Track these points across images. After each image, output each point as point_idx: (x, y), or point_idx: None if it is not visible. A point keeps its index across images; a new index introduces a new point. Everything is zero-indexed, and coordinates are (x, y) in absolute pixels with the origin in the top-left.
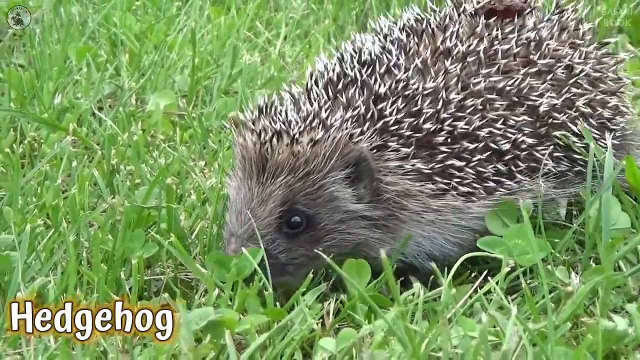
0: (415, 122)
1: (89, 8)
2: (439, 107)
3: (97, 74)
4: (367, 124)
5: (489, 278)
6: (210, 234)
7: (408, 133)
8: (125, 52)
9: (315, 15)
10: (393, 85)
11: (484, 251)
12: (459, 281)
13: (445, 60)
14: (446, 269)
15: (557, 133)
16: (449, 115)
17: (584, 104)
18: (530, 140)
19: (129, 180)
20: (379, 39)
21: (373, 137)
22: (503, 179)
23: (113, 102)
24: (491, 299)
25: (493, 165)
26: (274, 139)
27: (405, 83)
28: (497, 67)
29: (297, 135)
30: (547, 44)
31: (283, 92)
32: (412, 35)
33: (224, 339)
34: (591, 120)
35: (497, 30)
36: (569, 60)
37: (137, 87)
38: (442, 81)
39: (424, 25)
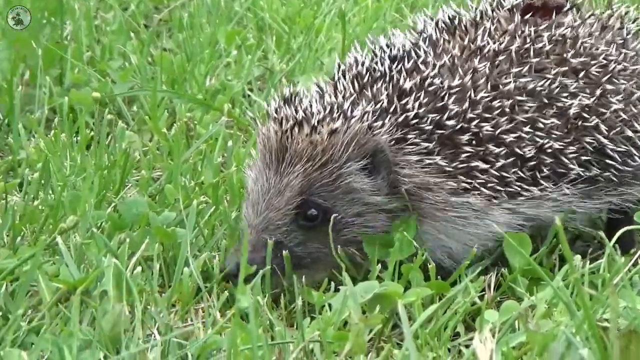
0: (438, 118)
1: None
2: (465, 106)
3: (247, 57)
4: (388, 117)
5: None
6: None
7: (430, 128)
8: (272, 36)
9: None
10: (419, 81)
11: None
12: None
13: (475, 59)
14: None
15: (588, 138)
16: (476, 116)
17: (617, 100)
18: (557, 145)
19: None
20: (412, 34)
21: (393, 130)
22: (525, 185)
23: (262, 85)
24: None
25: (515, 171)
26: (295, 128)
27: (431, 80)
28: (528, 66)
29: (316, 125)
30: (582, 42)
31: (311, 83)
32: (444, 32)
33: (387, 312)
34: (623, 115)
35: (531, 27)
36: (603, 58)
37: (287, 70)
38: (469, 80)
39: (456, 22)
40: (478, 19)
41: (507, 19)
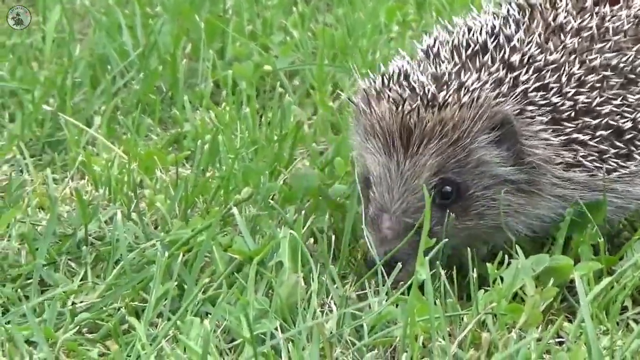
0: (545, 95)
1: None
2: (562, 80)
3: (409, 32)
4: (505, 88)
5: None
6: None
7: (541, 102)
8: (432, 12)
9: None
10: (521, 56)
11: None
12: None
13: (561, 35)
14: None
15: None
16: (572, 90)
17: None
18: None
19: None
20: (494, 16)
21: (515, 101)
22: (621, 162)
23: None
24: None
25: (611, 143)
26: (419, 107)
27: (530, 55)
28: (609, 44)
29: (442, 101)
30: None
31: (398, 58)
32: (522, 12)
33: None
34: None
35: (605, 7)
36: None
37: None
38: (562, 55)
39: (532, 2)
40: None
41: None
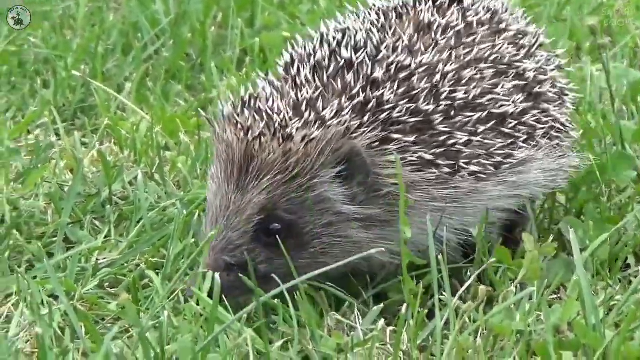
0: (414, 105)
1: None
2: (434, 80)
3: None
4: (367, 115)
5: None
6: None
7: (407, 118)
8: None
9: None
10: (386, 67)
11: None
12: None
13: (432, 33)
14: None
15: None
16: (447, 89)
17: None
18: (523, 106)
19: None
20: (361, 19)
21: (375, 130)
22: (508, 151)
23: None
24: None
25: (496, 133)
26: (264, 136)
27: (398, 64)
28: (476, 37)
29: (290, 132)
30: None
31: (260, 79)
32: (389, 15)
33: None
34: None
35: (461, 2)
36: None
37: None
38: (434, 55)
39: (396, 3)
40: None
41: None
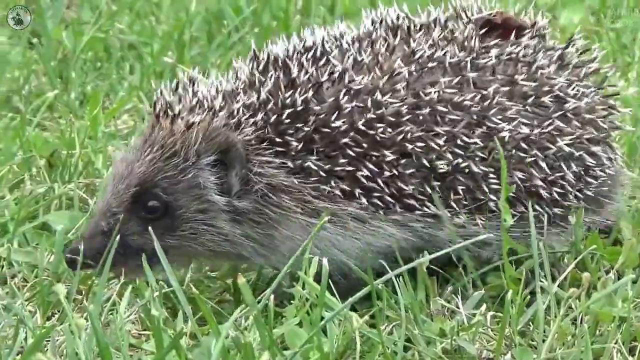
0: (325, 117)
1: None
2: (364, 106)
3: None
4: (261, 114)
5: None
6: None
7: (311, 128)
8: None
9: None
10: (316, 72)
11: None
12: None
13: (401, 61)
14: None
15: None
16: (375, 117)
17: (567, 144)
18: (477, 169)
19: None
20: (352, 29)
21: (259, 129)
22: (429, 203)
23: None
24: None
25: (420, 182)
26: (162, 115)
27: (332, 75)
28: (463, 78)
29: (176, 115)
30: (539, 68)
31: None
32: (386, 31)
33: None
34: (571, 163)
35: (479, 42)
36: (559, 90)
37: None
38: (383, 81)
39: (401, 24)
40: (430, 25)
41: (461, 31)
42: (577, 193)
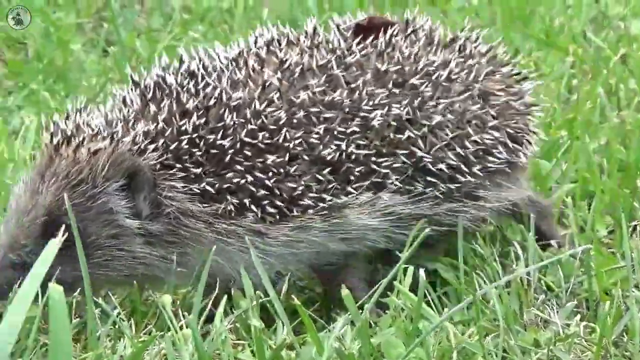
0: (212, 139)
1: None
2: (244, 119)
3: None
4: (161, 141)
5: None
6: None
7: (202, 152)
8: None
9: None
10: (202, 99)
11: None
12: None
13: (269, 71)
14: None
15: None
16: (257, 127)
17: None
18: (363, 152)
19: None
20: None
21: (162, 154)
22: (326, 195)
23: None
24: None
25: (313, 177)
26: (63, 143)
27: (213, 96)
28: (328, 77)
29: (80, 142)
30: (402, 51)
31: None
32: (261, 48)
33: None
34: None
35: (344, 43)
36: (427, 66)
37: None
38: (257, 92)
39: (275, 39)
40: (301, 38)
41: (328, 38)
42: (476, 170)
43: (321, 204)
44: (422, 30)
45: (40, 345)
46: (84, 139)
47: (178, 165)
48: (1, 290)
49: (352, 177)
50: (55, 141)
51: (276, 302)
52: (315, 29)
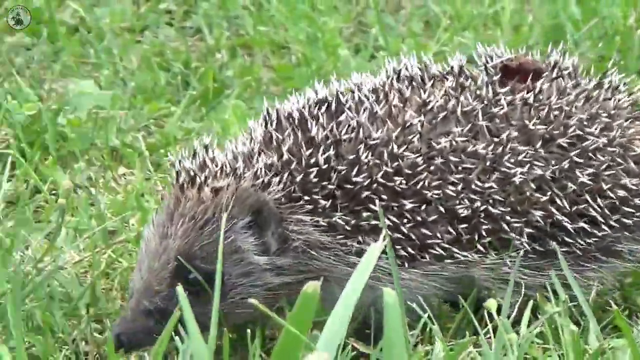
0: (345, 173)
1: None
2: (382, 159)
3: None
4: (286, 173)
5: None
6: None
7: (333, 186)
8: None
9: None
10: (333, 129)
11: None
12: None
13: (412, 112)
14: None
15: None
16: (392, 170)
17: (590, 180)
18: (496, 211)
19: None
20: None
21: (286, 188)
22: (455, 249)
23: None
24: None
25: (446, 230)
26: (188, 184)
27: (349, 130)
28: (474, 126)
29: (205, 181)
30: (552, 109)
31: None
32: (402, 82)
33: None
34: (596, 195)
35: (492, 89)
36: (578, 129)
37: None
38: (397, 133)
39: (418, 74)
40: (445, 74)
41: (475, 79)
42: (613, 223)
43: (449, 254)
44: (568, 76)
45: None
46: (206, 177)
47: (306, 198)
48: (137, 337)
49: (482, 232)
50: (180, 181)
51: (584, 304)
52: (461, 67)
